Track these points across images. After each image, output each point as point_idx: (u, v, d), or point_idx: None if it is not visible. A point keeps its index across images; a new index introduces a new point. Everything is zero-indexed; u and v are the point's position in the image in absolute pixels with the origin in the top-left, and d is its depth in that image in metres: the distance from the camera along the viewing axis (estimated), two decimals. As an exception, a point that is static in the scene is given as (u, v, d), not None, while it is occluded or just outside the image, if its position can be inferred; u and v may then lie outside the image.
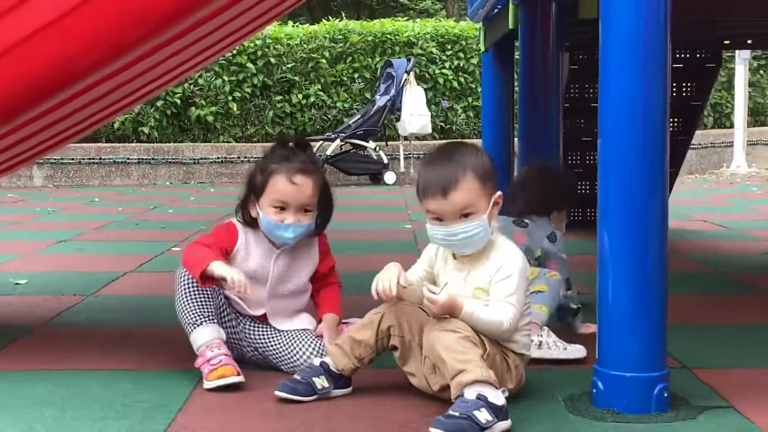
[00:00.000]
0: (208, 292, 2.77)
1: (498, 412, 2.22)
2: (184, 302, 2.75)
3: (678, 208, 7.17)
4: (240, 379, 2.64)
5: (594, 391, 2.48)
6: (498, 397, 2.25)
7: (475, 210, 2.46)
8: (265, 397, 2.56)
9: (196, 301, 2.75)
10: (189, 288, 2.75)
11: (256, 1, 3.06)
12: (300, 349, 2.80)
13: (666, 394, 2.43)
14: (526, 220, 3.25)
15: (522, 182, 3.43)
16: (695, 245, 5.45)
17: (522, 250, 2.68)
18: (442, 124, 11.13)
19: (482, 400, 2.22)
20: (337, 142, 9.88)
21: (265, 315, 2.88)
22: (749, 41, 5.16)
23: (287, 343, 2.83)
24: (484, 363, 2.32)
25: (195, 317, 2.73)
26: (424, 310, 2.56)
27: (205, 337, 2.72)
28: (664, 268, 2.46)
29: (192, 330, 2.73)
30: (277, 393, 2.51)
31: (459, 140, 2.54)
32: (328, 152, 9.82)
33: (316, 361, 2.57)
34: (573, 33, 4.40)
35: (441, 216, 2.49)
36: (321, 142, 9.95)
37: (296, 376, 2.55)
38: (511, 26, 3.90)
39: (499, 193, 2.52)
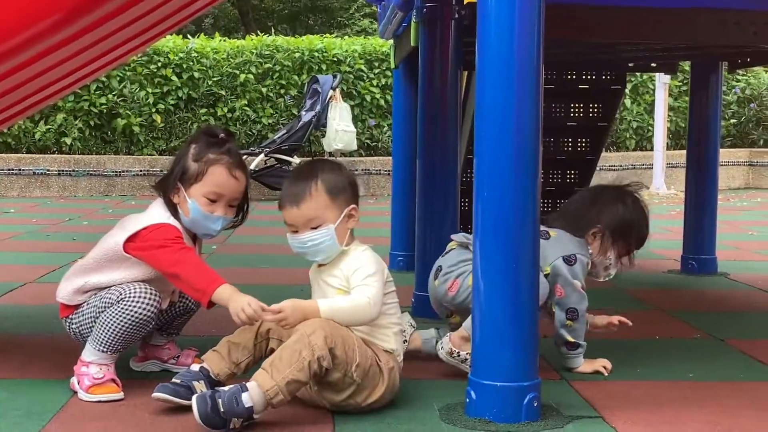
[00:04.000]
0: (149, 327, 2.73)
1: (231, 400, 2.31)
2: (123, 329, 2.65)
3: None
4: (121, 395, 2.64)
5: (467, 400, 2.52)
6: (247, 400, 2.32)
7: (322, 221, 2.58)
8: (142, 406, 2.55)
9: (135, 336, 2.69)
10: (141, 317, 2.65)
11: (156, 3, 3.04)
12: None
13: (536, 404, 2.48)
14: (551, 233, 3.02)
15: (583, 195, 3.22)
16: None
17: None
18: (368, 141, 11.18)
19: (236, 390, 2.33)
20: (261, 156, 9.87)
21: None
22: (653, 65, 5.28)
23: None
24: (294, 372, 2.35)
25: (119, 348, 2.68)
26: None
27: (105, 360, 2.69)
28: (536, 281, 2.52)
29: (102, 352, 2.68)
30: (157, 395, 2.50)
31: (326, 158, 2.63)
32: (252, 167, 9.79)
33: (195, 366, 2.57)
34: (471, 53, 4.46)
35: (294, 226, 2.61)
36: (245, 156, 9.91)
37: (176, 379, 2.54)
38: (413, 43, 3.93)
39: (352, 206, 2.63)
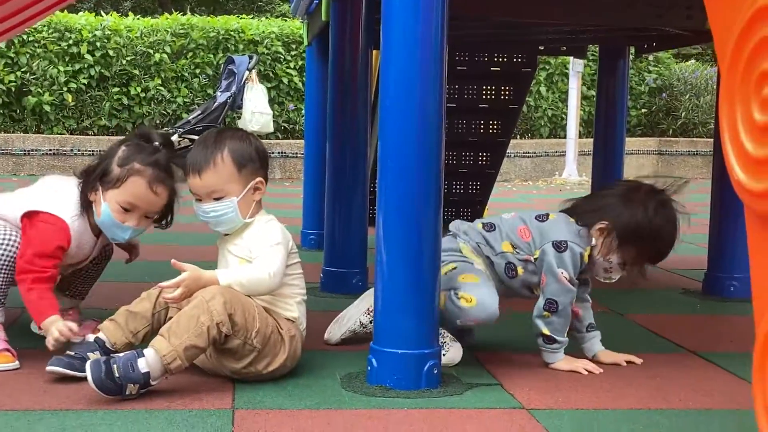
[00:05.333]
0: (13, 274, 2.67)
1: (127, 366, 2.29)
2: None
3: (503, 210, 7.37)
4: (17, 365, 2.59)
5: (369, 368, 2.54)
6: (143, 366, 2.30)
7: (225, 193, 2.55)
8: (36, 375, 2.50)
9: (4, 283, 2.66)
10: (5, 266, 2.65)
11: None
12: None
13: (436, 371, 2.51)
14: (551, 216, 2.80)
15: (611, 184, 2.97)
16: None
17: (522, 247, 2.75)
18: (285, 125, 11.12)
19: (132, 356, 2.31)
20: (175, 137, 9.73)
21: None
22: (563, 48, 5.36)
23: None
24: (192, 339, 2.33)
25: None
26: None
27: None
28: (437, 249, 2.54)
29: None
30: (51, 368, 2.45)
31: (235, 127, 2.54)
32: (166, 147, 9.67)
33: (90, 337, 2.53)
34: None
35: (197, 195, 2.58)
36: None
37: (70, 352, 2.50)
38: (323, 18, 3.92)
39: (259, 178, 2.58)
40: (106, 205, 2.68)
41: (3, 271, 2.65)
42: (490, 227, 2.83)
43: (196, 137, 9.80)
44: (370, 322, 2.81)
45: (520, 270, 2.77)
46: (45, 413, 2.22)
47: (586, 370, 2.70)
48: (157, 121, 10.58)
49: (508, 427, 2.21)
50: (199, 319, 2.33)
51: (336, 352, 2.87)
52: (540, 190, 10.32)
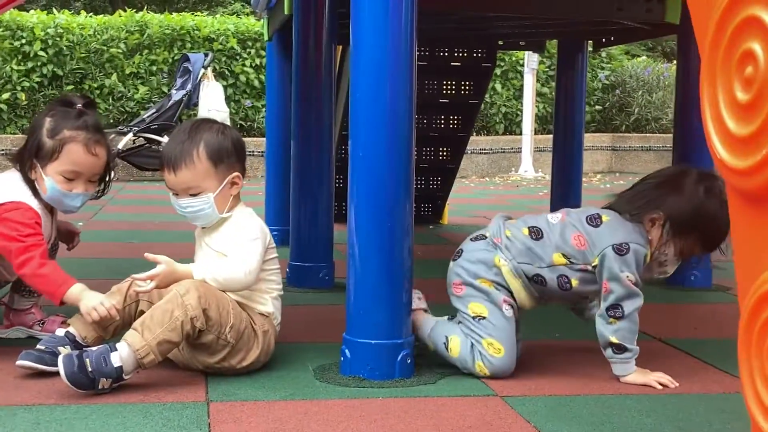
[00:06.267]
0: None
1: (99, 360, 2.26)
2: None
3: (463, 206, 7.43)
4: None
5: (342, 359, 2.54)
6: (116, 360, 2.27)
7: (201, 189, 2.52)
8: (6, 371, 2.48)
9: None
10: None
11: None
12: None
13: (409, 361, 2.52)
14: (603, 218, 2.58)
15: (657, 173, 2.72)
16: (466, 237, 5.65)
17: (578, 257, 2.53)
18: (242, 123, 11.07)
19: (104, 350, 2.28)
20: (130, 135, 9.64)
21: None
22: (521, 43, 5.40)
23: None
24: (164, 333, 2.31)
25: None
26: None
27: None
28: (409, 241, 2.55)
29: None
30: (21, 363, 2.42)
31: (209, 118, 2.50)
32: (120, 146, 9.55)
33: (60, 332, 2.50)
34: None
35: (173, 190, 2.55)
36: (113, 135, 9.68)
37: (40, 346, 2.47)
38: (286, 12, 3.90)
39: (235, 173, 2.55)
40: (50, 178, 2.64)
41: None
42: (537, 234, 2.59)
43: (151, 136, 9.73)
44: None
45: (574, 282, 2.55)
46: (18, 409, 2.20)
47: (661, 384, 2.49)
48: (113, 119, 10.48)
49: (483, 414, 2.23)
50: (173, 314, 2.31)
51: (308, 344, 2.86)
52: (497, 186, 10.39)
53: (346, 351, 2.53)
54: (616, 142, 12.85)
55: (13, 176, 2.71)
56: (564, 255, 2.55)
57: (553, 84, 13.01)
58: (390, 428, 2.11)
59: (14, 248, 2.56)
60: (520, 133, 12.16)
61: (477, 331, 2.55)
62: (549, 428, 2.13)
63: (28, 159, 2.66)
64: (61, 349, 2.45)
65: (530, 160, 11.87)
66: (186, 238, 5.07)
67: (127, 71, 10.55)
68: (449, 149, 5.94)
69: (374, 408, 2.26)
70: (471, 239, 2.69)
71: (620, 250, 2.49)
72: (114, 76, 10.45)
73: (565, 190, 5.30)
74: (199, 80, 9.88)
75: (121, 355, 2.28)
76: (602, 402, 2.35)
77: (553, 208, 5.38)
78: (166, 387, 2.38)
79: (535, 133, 12.03)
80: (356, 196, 2.53)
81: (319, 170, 3.84)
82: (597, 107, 13.07)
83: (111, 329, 2.52)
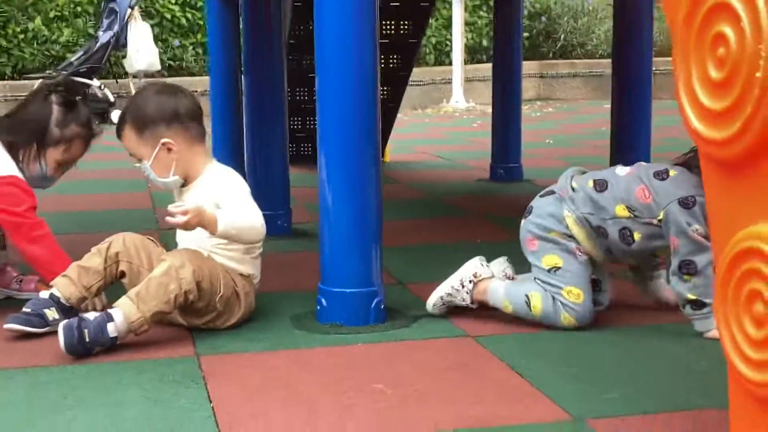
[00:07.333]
0: None
1: (97, 331, 2.35)
2: None
3: (401, 141, 7.54)
4: None
5: (318, 308, 2.67)
6: (112, 331, 2.37)
7: (140, 156, 2.65)
8: (-3, 333, 2.55)
9: None
10: None
11: None
12: None
13: (382, 307, 2.66)
14: (671, 172, 2.53)
15: None
16: (415, 175, 5.81)
17: (642, 210, 2.50)
18: (171, 62, 10.95)
19: (102, 320, 2.36)
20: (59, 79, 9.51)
21: None
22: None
23: None
24: (161, 305, 2.41)
25: None
26: (154, 240, 2.70)
27: None
28: (379, 192, 2.67)
29: None
30: (9, 326, 2.50)
31: (154, 82, 2.63)
32: (51, 90, 9.44)
33: (45, 294, 2.58)
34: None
35: None
36: (42, 80, 9.53)
37: (26, 309, 2.54)
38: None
39: (164, 140, 2.60)
40: (45, 162, 2.82)
41: None
42: (601, 186, 2.57)
43: (80, 79, 9.59)
44: (463, 287, 2.67)
45: (637, 235, 2.53)
46: (14, 372, 2.28)
47: None
48: (38, 63, 10.28)
49: (458, 355, 2.38)
50: (168, 287, 2.40)
51: (279, 293, 2.97)
52: (432, 118, 10.51)
53: (323, 300, 2.65)
54: (543, 70, 13.03)
55: None
56: (627, 208, 2.53)
57: (480, 13, 13.12)
58: (376, 373, 2.25)
59: (20, 229, 2.71)
60: (450, 64, 12.26)
61: (554, 282, 2.56)
62: (522, 365, 2.29)
63: (29, 139, 2.80)
64: (46, 311, 2.53)
65: (461, 91, 12.00)
66: (137, 186, 5.12)
67: (51, 15, 10.33)
68: (389, 89, 6.01)
69: (357, 354, 2.40)
70: (540, 195, 2.69)
71: (686, 203, 2.44)
72: (38, 20, 10.22)
73: (506, 121, 5.46)
74: (127, 20, 9.74)
75: (117, 326, 2.37)
76: (567, 337, 2.52)
77: (496, 139, 5.53)
78: (155, 343, 2.48)
79: (465, 64, 12.14)
80: (324, 142, 2.62)
81: (272, 113, 3.88)
82: (525, 35, 13.21)
83: (93, 289, 2.60)
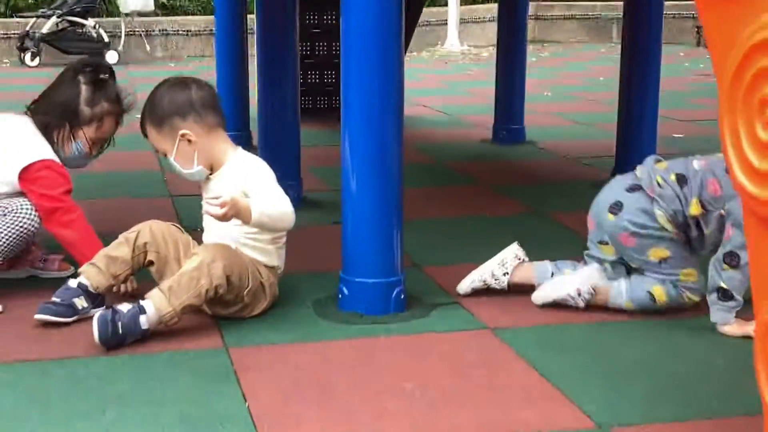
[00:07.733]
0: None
1: (130, 323, 2.41)
2: (9, 240, 2.73)
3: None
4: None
5: (340, 296, 2.73)
6: (144, 323, 2.43)
7: (165, 151, 2.71)
8: (22, 319, 2.60)
9: (18, 247, 2.78)
10: (26, 230, 2.75)
11: None
12: None
13: (402, 296, 2.73)
14: None
15: None
16: (418, 134, 5.81)
17: (713, 203, 2.55)
18: (165, 1, 10.83)
19: (135, 313, 2.43)
20: (54, 19, 9.41)
21: None
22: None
23: None
24: (191, 299, 2.47)
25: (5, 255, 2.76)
26: (180, 227, 2.76)
27: None
28: (400, 183, 2.72)
29: None
30: (39, 317, 2.56)
31: (172, 77, 2.64)
32: (44, 30, 9.35)
33: (73, 283, 2.62)
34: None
35: None
36: (35, 19, 9.45)
37: (55, 298, 2.60)
38: None
39: (182, 131, 2.64)
40: (78, 142, 2.90)
41: (10, 238, 2.74)
42: (682, 181, 2.62)
43: (75, 19, 9.51)
44: (504, 274, 2.83)
45: (709, 229, 2.62)
46: (49, 364, 2.34)
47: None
48: (32, 1, 10.16)
49: (479, 350, 2.46)
50: (199, 282, 2.46)
51: (300, 275, 3.00)
52: (428, 63, 10.47)
53: (344, 289, 2.72)
54: (539, 11, 12.97)
55: (31, 128, 2.87)
56: (701, 202, 2.59)
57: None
58: (403, 370, 2.32)
59: (55, 215, 2.78)
60: (445, 5, 12.18)
61: (669, 271, 2.66)
62: (542, 362, 2.37)
63: (61, 120, 2.85)
64: (75, 301, 2.58)
65: (456, 33, 11.95)
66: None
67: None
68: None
69: (381, 349, 2.47)
70: (626, 190, 2.72)
71: None
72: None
73: (510, 77, 5.46)
74: (121, -41, 9.62)
75: (149, 318, 2.43)
76: (586, 328, 2.60)
77: (500, 98, 5.52)
78: (182, 334, 2.53)
79: (461, 4, 12.07)
80: (350, 134, 2.66)
81: (283, 67, 3.88)
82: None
83: (121, 278, 2.65)
